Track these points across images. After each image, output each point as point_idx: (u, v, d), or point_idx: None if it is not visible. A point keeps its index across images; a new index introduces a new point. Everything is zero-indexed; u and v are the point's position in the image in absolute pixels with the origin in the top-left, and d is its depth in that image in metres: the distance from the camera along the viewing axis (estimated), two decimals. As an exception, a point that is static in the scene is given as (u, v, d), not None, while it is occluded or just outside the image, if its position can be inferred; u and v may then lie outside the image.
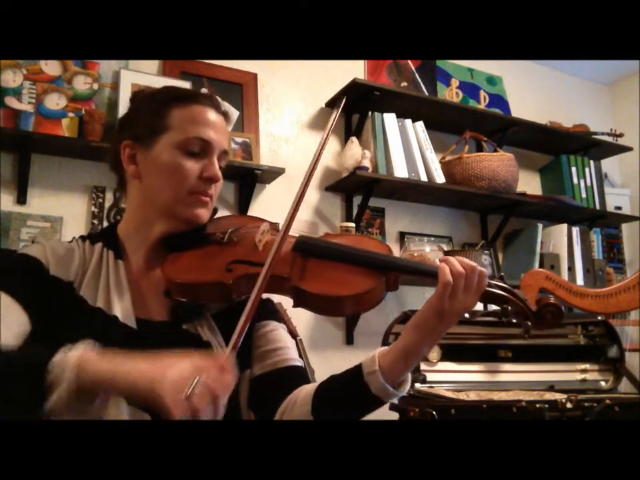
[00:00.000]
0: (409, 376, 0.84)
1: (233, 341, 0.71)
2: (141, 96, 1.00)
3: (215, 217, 1.01)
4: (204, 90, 2.16)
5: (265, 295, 1.01)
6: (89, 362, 0.69)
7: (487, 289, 0.84)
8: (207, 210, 0.95)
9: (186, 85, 2.14)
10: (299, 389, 0.90)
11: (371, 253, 0.88)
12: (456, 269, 0.80)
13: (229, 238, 0.94)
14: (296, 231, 0.94)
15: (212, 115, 0.94)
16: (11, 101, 1.93)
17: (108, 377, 0.69)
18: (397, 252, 2.61)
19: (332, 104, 2.57)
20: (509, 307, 0.86)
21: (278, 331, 0.99)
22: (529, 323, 0.86)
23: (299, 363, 0.97)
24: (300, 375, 0.95)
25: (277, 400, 0.90)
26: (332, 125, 0.94)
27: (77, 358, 0.69)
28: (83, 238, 0.97)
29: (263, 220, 1.01)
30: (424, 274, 0.86)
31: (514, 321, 0.87)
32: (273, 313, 1.03)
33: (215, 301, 0.93)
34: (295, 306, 0.87)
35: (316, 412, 0.84)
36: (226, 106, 1.02)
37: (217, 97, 0.99)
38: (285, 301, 1.05)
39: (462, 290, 0.80)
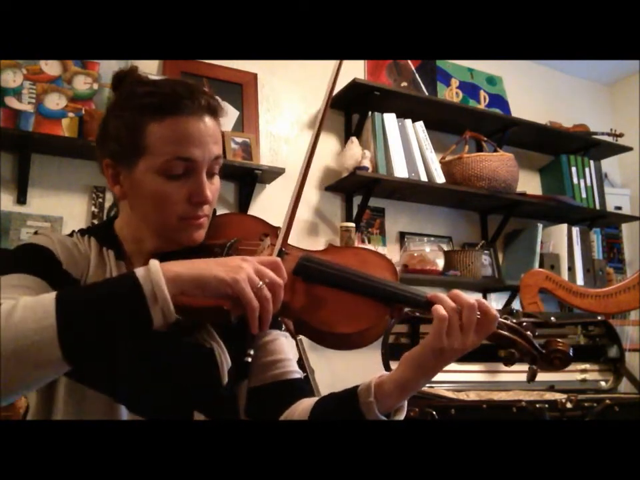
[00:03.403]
0: (405, 403, 0.82)
1: (278, 245, 0.81)
2: (119, 94, 0.91)
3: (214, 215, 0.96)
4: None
5: None
6: (171, 271, 0.70)
7: (495, 330, 0.79)
8: (203, 229, 0.89)
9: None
10: (297, 404, 0.89)
11: (377, 283, 0.82)
12: (449, 305, 0.76)
13: (228, 254, 0.88)
14: (297, 246, 0.90)
15: (194, 125, 0.84)
16: (11, 101, 1.93)
17: (194, 281, 0.71)
18: (397, 252, 2.61)
19: (332, 104, 2.55)
20: (516, 353, 0.80)
21: (279, 340, 0.97)
22: (535, 367, 0.81)
23: (299, 374, 0.95)
24: (299, 388, 0.94)
25: (275, 413, 0.89)
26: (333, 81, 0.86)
27: (159, 266, 0.69)
28: (81, 232, 0.93)
29: (263, 222, 0.97)
30: (429, 309, 0.79)
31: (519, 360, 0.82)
32: (274, 320, 1.01)
33: (213, 322, 0.89)
34: (296, 333, 0.85)
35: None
36: (220, 101, 0.92)
37: (198, 89, 0.88)
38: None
39: (458, 326, 0.75)
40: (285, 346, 0.97)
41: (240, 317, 0.80)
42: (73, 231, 0.94)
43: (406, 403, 0.82)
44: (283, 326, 1.01)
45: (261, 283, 0.72)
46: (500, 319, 0.80)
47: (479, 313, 0.76)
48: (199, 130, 0.84)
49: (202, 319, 0.86)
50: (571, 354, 0.82)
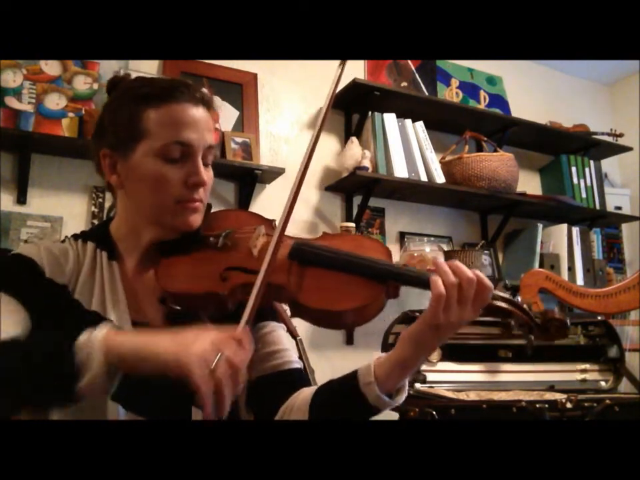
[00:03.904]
0: (406, 383, 0.82)
1: (245, 317, 0.73)
2: (114, 94, 0.94)
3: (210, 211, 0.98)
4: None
5: None
6: (115, 340, 0.69)
7: (490, 301, 0.80)
8: (199, 214, 0.91)
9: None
10: (297, 393, 0.90)
11: (371, 262, 0.83)
12: (449, 280, 0.75)
13: (223, 243, 0.90)
14: (291, 236, 0.91)
15: (190, 111, 0.88)
16: (11, 101, 1.93)
17: (134, 353, 0.69)
18: (397, 252, 2.61)
19: (333, 104, 2.56)
20: (512, 322, 0.82)
21: (277, 332, 0.98)
22: (532, 337, 0.83)
23: (298, 364, 0.96)
24: (299, 378, 0.94)
25: (276, 403, 0.90)
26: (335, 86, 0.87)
27: (103, 336, 0.69)
28: (75, 237, 0.95)
29: (258, 216, 0.98)
30: (422, 285, 0.80)
31: (517, 332, 0.84)
32: (272, 312, 1.01)
33: (210, 310, 0.90)
34: (292, 316, 0.85)
35: (313, 420, 0.83)
36: (217, 105, 0.96)
37: (192, 84, 0.92)
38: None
39: (456, 301, 0.75)
40: (283, 337, 0.98)
41: (239, 302, 0.81)
42: (67, 237, 0.95)
43: (407, 382, 0.83)
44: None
45: (217, 359, 0.65)
46: (495, 292, 0.81)
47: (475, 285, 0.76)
48: (194, 116, 0.88)
49: (198, 306, 0.88)
50: (568, 323, 0.83)
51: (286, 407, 0.88)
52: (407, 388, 0.83)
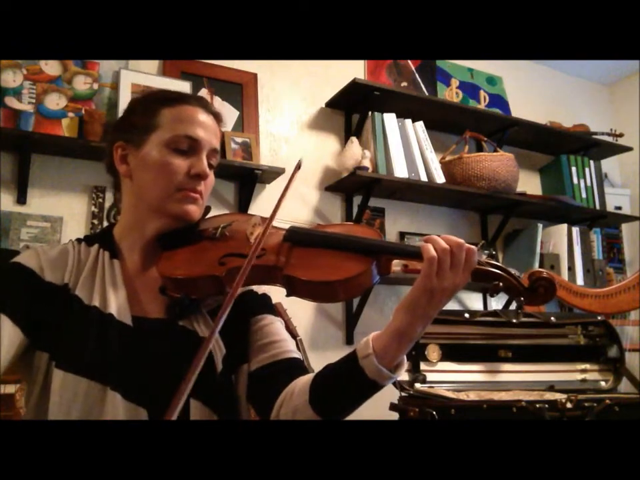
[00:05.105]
0: (405, 358, 0.83)
1: (217, 326, 0.72)
2: (134, 99, 1.03)
3: (208, 215, 1.02)
4: (203, 91, 2.16)
5: (261, 290, 1.03)
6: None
7: (478, 266, 0.83)
8: (197, 207, 0.96)
9: (186, 84, 2.14)
10: (296, 380, 0.90)
11: (359, 238, 0.88)
12: (440, 245, 0.78)
13: (222, 233, 0.95)
14: (287, 222, 0.95)
15: (201, 115, 0.96)
16: (11, 101, 1.93)
17: None
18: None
19: (332, 104, 2.57)
20: (500, 284, 0.84)
21: (274, 324, 1.00)
22: (522, 299, 0.85)
23: (297, 354, 0.98)
24: (297, 367, 0.95)
25: (276, 392, 0.90)
26: (292, 180, 0.94)
27: None
28: (79, 240, 0.99)
29: (254, 216, 1.01)
30: (411, 255, 0.84)
31: (507, 295, 0.86)
32: (269, 307, 1.03)
33: (209, 295, 0.94)
34: (288, 295, 0.87)
35: (314, 401, 0.83)
36: (219, 107, 1.02)
37: (208, 99, 1.01)
38: (285, 301, 1.05)
39: (449, 267, 0.78)
40: (281, 329, 1.01)
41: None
42: (70, 240, 0.99)
43: (405, 358, 0.83)
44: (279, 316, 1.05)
45: None
46: (482, 259, 0.85)
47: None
48: (204, 119, 0.97)
49: (197, 290, 0.91)
50: (555, 285, 0.85)
51: (286, 393, 0.89)
52: (405, 363, 0.84)
